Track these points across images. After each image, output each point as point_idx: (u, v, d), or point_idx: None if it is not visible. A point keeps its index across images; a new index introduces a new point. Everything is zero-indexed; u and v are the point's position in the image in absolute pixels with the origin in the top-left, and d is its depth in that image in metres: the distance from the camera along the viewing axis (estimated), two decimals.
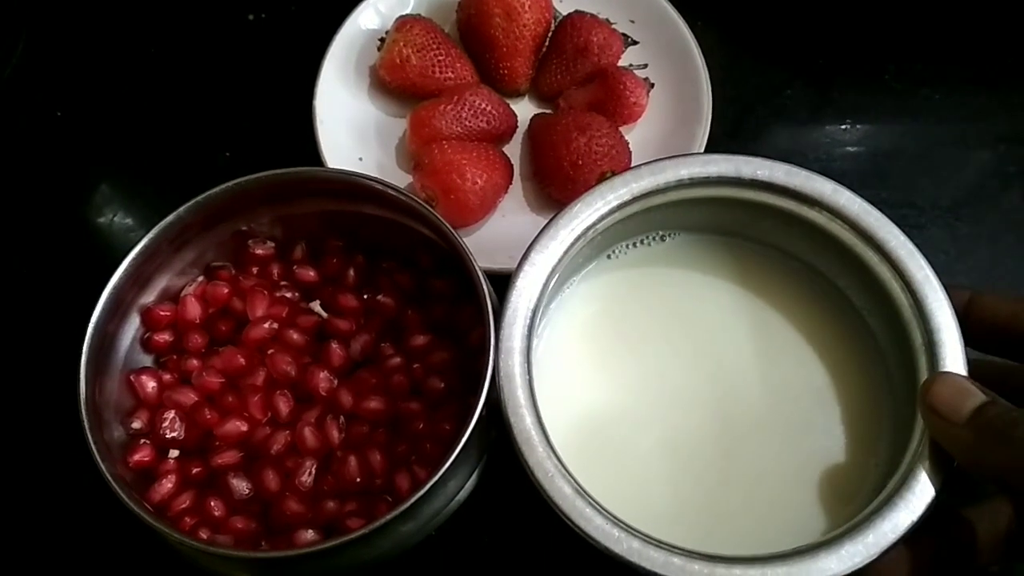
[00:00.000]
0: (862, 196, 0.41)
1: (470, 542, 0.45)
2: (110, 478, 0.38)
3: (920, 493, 0.36)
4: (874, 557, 0.35)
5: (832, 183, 0.41)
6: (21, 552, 0.47)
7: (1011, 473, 0.34)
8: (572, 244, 0.41)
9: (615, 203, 0.41)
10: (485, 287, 0.41)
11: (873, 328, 0.43)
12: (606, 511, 0.36)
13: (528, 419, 0.38)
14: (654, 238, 0.45)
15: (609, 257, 0.45)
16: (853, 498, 0.41)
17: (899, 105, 0.60)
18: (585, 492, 0.36)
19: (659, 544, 0.35)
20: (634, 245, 0.45)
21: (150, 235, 0.43)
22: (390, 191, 0.44)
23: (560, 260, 0.40)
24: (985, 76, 0.61)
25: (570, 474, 0.37)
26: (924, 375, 0.39)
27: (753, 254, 0.45)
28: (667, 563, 0.35)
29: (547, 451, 0.37)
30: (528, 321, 0.40)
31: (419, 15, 0.55)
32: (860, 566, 0.35)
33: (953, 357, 0.38)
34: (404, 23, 0.54)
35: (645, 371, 0.43)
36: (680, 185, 0.41)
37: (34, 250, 0.56)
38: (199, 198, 0.43)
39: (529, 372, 0.39)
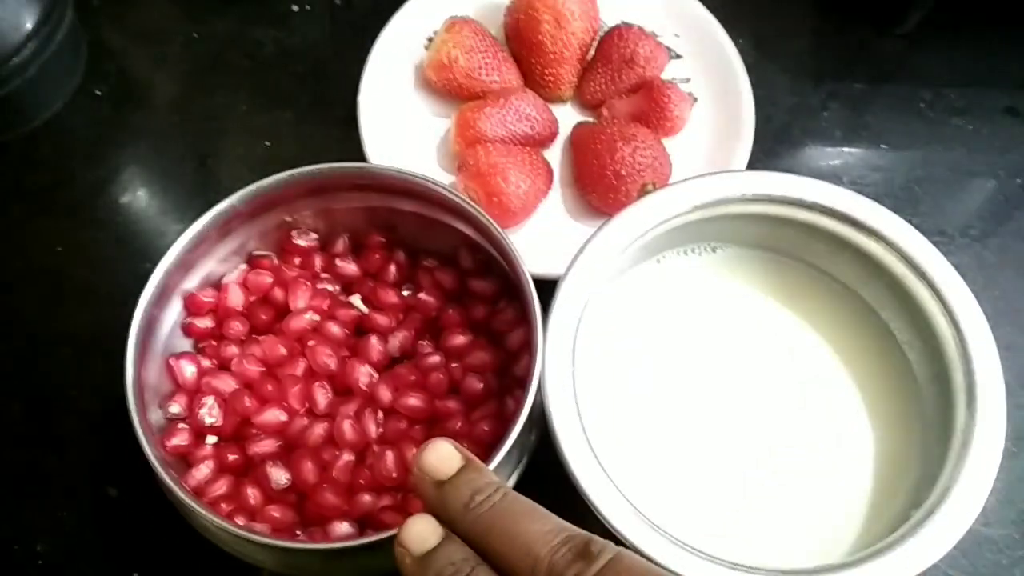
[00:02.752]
0: None
1: None
2: (155, 461, 0.38)
3: (946, 527, 0.37)
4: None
5: (895, 217, 0.42)
6: (55, 532, 0.47)
7: None
8: (622, 249, 0.41)
9: (670, 212, 0.42)
10: (532, 289, 0.42)
11: (912, 362, 0.44)
12: (648, 518, 0.36)
13: (572, 423, 0.38)
14: (705, 248, 0.46)
15: (659, 262, 0.46)
16: (877, 523, 0.41)
17: (932, 132, 0.61)
18: (628, 499, 0.37)
19: (701, 554, 0.36)
20: (684, 253, 0.46)
21: (201, 221, 0.43)
22: (438, 189, 0.45)
23: (608, 265, 0.41)
24: (1017, 108, 0.62)
25: (612, 480, 0.37)
26: (961, 414, 0.39)
27: (801, 275, 0.46)
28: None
29: (591, 457, 0.37)
30: (575, 324, 0.40)
31: (467, 16, 0.55)
32: None
33: (993, 400, 0.39)
34: (454, 24, 0.54)
35: (685, 380, 0.44)
36: (738, 200, 0.42)
37: (68, 228, 0.56)
38: (251, 187, 0.44)
39: (574, 376, 0.39)
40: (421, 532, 0.31)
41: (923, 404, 0.43)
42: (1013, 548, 0.47)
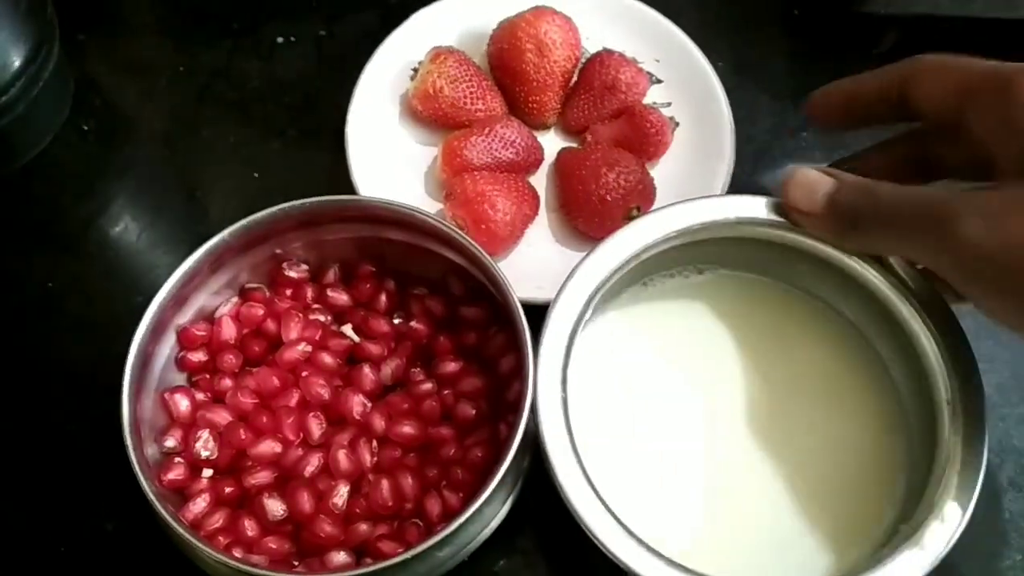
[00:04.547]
0: None
1: (501, 565, 0.46)
2: (152, 497, 0.38)
3: (929, 547, 0.37)
4: None
5: None
6: (53, 567, 0.47)
7: (866, 251, 0.41)
8: (611, 274, 0.42)
9: (658, 236, 0.43)
10: (521, 314, 0.42)
11: (897, 380, 0.45)
12: (642, 541, 0.37)
13: (564, 447, 0.39)
14: (691, 271, 0.47)
15: (645, 285, 0.47)
16: (862, 542, 0.42)
17: None
18: (622, 522, 0.37)
19: (691, 572, 0.37)
20: (671, 276, 0.47)
21: (194, 256, 0.44)
22: (427, 219, 0.45)
23: (598, 288, 0.42)
24: None
25: (605, 503, 0.38)
26: (946, 430, 0.40)
27: (785, 295, 0.47)
28: None
29: (584, 480, 0.38)
30: (565, 348, 0.41)
31: (451, 47, 0.56)
32: None
33: (976, 415, 0.40)
34: (438, 54, 0.55)
35: (675, 400, 0.45)
36: (724, 224, 0.43)
37: (56, 264, 0.56)
38: (243, 222, 0.44)
39: (565, 400, 0.40)
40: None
41: (908, 420, 0.44)
42: (999, 558, 0.48)
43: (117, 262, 0.56)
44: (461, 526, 0.38)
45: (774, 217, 0.43)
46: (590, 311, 0.42)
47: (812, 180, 0.40)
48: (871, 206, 0.38)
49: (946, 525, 0.38)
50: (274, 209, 0.45)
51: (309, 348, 0.46)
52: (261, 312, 0.47)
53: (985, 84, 0.37)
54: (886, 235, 0.38)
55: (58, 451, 0.50)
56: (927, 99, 0.39)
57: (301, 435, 0.44)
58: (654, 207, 0.52)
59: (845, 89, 0.43)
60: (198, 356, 0.46)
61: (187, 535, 0.38)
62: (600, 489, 0.38)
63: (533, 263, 0.53)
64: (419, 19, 0.59)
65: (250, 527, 0.42)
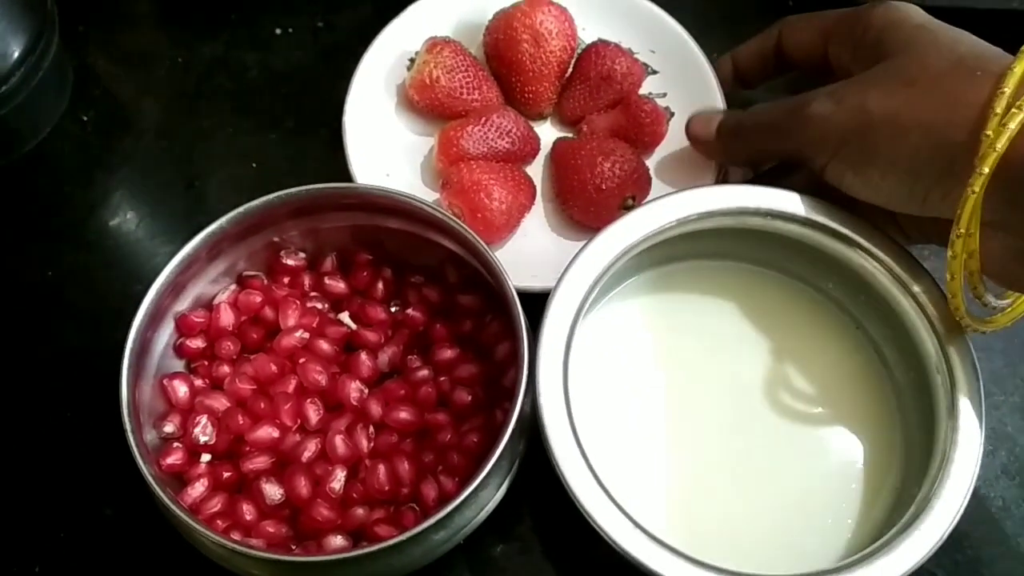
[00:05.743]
0: None
1: (497, 551, 0.46)
2: (151, 479, 0.39)
3: (925, 535, 0.38)
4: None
5: (871, 226, 0.44)
6: (53, 553, 0.47)
7: (752, 157, 0.50)
8: (611, 264, 0.42)
9: (656, 226, 0.43)
10: (517, 302, 0.43)
11: (895, 371, 0.45)
12: (641, 526, 0.37)
13: (565, 433, 0.39)
14: (690, 262, 0.47)
15: (644, 275, 0.47)
16: (859, 531, 0.42)
17: None
18: (621, 507, 0.38)
19: (693, 560, 0.37)
20: (670, 266, 0.47)
21: (191, 243, 0.44)
22: (423, 207, 0.46)
23: (599, 277, 0.42)
24: None
25: (604, 486, 0.38)
26: (943, 420, 0.41)
27: (785, 287, 0.48)
28: None
29: (583, 465, 0.38)
30: (567, 336, 0.41)
31: (448, 37, 0.57)
32: None
33: (972, 405, 0.40)
34: (434, 45, 0.55)
35: (673, 390, 0.45)
36: (720, 214, 0.43)
37: (57, 254, 0.56)
38: (241, 209, 0.45)
39: (566, 386, 0.40)
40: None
41: (905, 412, 0.45)
42: (992, 545, 0.48)
43: (116, 251, 0.56)
44: (456, 509, 0.38)
45: (771, 207, 0.43)
46: (591, 299, 0.43)
47: (707, 115, 0.50)
48: (748, 116, 0.47)
49: (941, 514, 0.38)
50: (271, 196, 0.45)
51: (307, 335, 0.47)
52: (259, 299, 0.48)
53: (839, 23, 0.45)
54: (761, 135, 0.46)
55: (58, 438, 0.50)
56: (797, 48, 0.48)
57: (298, 421, 0.45)
58: (649, 197, 0.52)
59: (736, 56, 0.54)
60: (196, 343, 0.47)
61: (186, 518, 0.38)
62: (600, 475, 0.39)
63: (529, 252, 0.53)
64: (416, 10, 0.59)
65: (248, 511, 0.42)
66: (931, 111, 0.37)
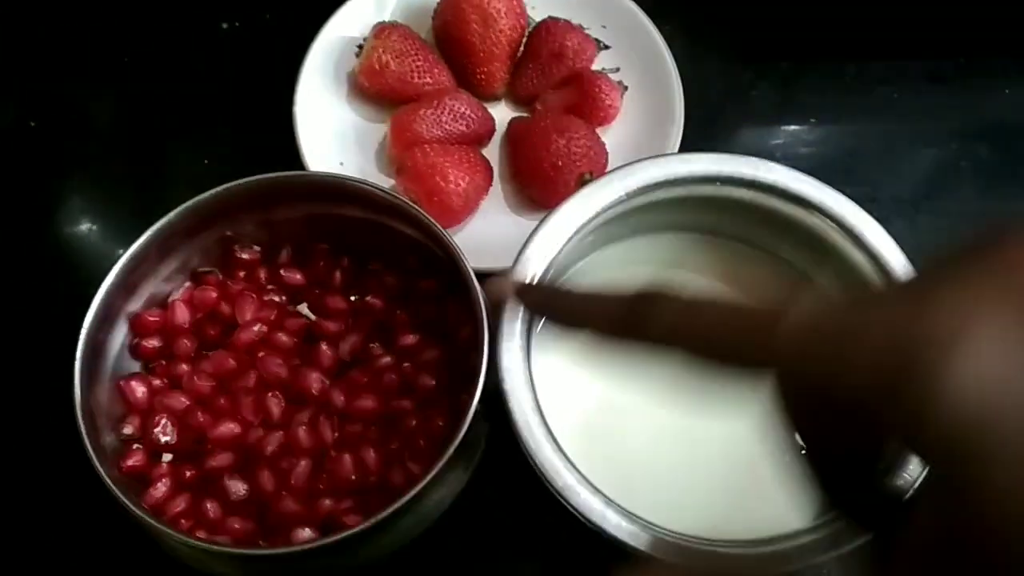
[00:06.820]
0: None
1: (467, 534, 0.46)
2: (110, 482, 0.38)
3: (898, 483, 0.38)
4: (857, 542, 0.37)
5: (829, 189, 0.43)
6: (18, 561, 0.47)
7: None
8: (567, 241, 0.42)
9: (611, 199, 0.42)
10: (476, 284, 0.42)
11: None
12: (605, 496, 0.37)
13: (529, 409, 0.39)
14: (649, 236, 0.47)
15: (602, 252, 0.47)
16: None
17: (860, 104, 0.63)
18: (585, 478, 0.37)
19: (661, 530, 0.37)
20: (628, 241, 0.47)
21: (140, 241, 0.43)
22: (379, 192, 0.45)
23: (556, 256, 0.42)
24: (940, 75, 0.64)
25: (570, 460, 0.38)
26: None
27: (745, 255, 0.47)
28: (666, 546, 0.36)
29: (548, 439, 0.38)
30: (528, 314, 0.41)
31: (396, 22, 0.56)
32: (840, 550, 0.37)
33: None
34: (382, 30, 0.54)
35: (634, 366, 0.45)
36: (679, 182, 0.43)
37: (10, 260, 0.55)
38: (189, 203, 0.44)
39: (529, 364, 0.40)
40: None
41: None
42: None
43: (70, 256, 0.56)
44: (422, 492, 0.38)
45: (721, 172, 0.43)
46: (549, 278, 0.42)
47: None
48: None
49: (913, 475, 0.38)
50: (219, 189, 0.44)
51: (265, 328, 0.46)
52: (214, 295, 0.47)
53: None
54: None
55: (16, 446, 0.49)
56: None
57: (261, 415, 0.44)
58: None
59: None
60: (152, 342, 0.46)
61: (149, 519, 0.38)
62: (566, 450, 0.38)
63: (489, 234, 0.53)
64: None
65: (212, 509, 0.42)
66: None
